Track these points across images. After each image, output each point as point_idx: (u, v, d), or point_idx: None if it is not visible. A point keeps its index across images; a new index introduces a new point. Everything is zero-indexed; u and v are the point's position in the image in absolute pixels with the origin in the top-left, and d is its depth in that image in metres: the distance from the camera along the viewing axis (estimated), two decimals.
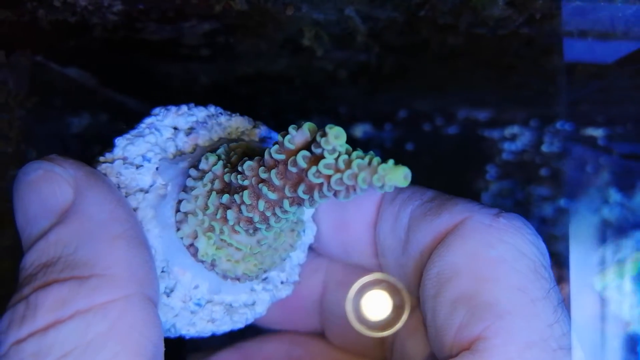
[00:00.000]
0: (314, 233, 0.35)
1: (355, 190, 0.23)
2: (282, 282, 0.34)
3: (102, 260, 0.23)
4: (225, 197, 0.27)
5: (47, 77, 0.46)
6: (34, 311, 0.22)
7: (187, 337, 0.32)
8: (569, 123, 0.66)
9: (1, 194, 0.41)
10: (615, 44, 0.42)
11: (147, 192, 0.29)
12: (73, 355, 0.21)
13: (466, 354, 0.25)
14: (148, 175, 0.29)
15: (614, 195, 0.63)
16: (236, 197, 0.27)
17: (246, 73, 0.56)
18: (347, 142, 0.24)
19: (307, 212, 0.34)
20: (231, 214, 0.27)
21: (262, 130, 0.34)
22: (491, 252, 0.26)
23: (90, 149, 0.54)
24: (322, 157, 0.24)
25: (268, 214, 0.26)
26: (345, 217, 0.33)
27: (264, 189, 0.26)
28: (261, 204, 0.26)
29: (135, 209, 0.28)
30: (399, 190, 0.31)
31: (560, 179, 0.66)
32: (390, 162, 0.23)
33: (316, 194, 0.24)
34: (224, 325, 0.32)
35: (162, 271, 0.29)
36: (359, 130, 0.69)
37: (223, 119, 0.33)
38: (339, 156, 0.24)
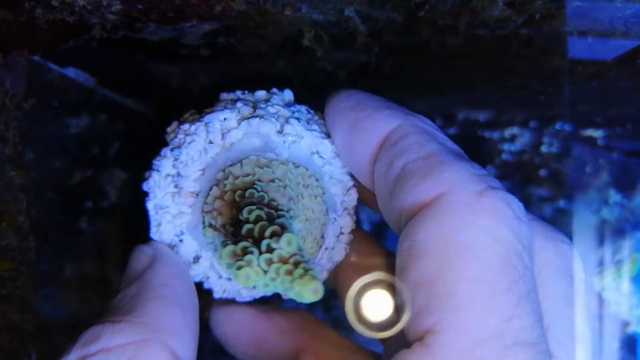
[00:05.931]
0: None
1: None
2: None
3: (138, 311, 0.29)
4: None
5: (45, 78, 0.46)
6: (71, 346, 0.27)
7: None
8: (569, 124, 0.66)
9: None
10: (615, 43, 0.42)
11: None
12: None
13: (417, 346, 0.25)
14: None
15: (614, 196, 0.63)
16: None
17: (246, 73, 0.56)
18: None
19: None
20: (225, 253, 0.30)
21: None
22: (460, 236, 0.25)
23: (88, 150, 0.53)
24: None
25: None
26: (352, 139, 0.33)
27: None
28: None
29: None
30: (403, 134, 0.30)
31: (560, 180, 0.66)
32: (307, 276, 0.26)
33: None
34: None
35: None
36: None
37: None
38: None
